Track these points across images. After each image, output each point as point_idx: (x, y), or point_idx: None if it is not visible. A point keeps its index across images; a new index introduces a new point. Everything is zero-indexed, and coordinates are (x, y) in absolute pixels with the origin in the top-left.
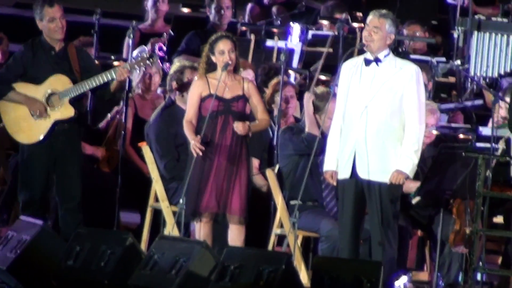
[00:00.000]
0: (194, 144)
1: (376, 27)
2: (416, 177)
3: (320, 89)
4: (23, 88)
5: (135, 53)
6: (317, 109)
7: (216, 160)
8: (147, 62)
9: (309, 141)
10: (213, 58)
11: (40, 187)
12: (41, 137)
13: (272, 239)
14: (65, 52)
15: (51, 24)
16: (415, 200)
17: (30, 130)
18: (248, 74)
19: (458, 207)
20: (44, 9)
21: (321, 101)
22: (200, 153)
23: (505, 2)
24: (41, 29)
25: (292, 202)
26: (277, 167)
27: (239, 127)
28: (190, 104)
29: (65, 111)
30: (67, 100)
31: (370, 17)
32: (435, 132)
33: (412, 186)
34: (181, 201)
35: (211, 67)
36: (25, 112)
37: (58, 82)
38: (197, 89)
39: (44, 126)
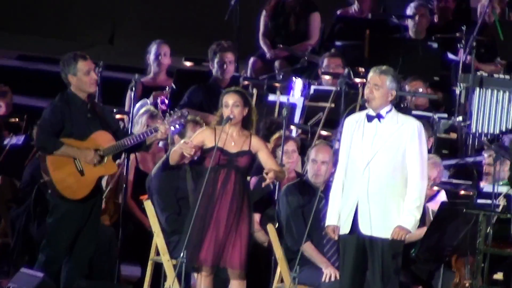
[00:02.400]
0: (184, 144)
1: (377, 84)
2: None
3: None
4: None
5: (137, 106)
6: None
7: (215, 214)
8: (182, 120)
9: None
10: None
11: (67, 245)
12: (87, 193)
13: None
14: (93, 107)
15: (86, 77)
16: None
17: (77, 185)
18: None
19: (457, 259)
20: (79, 63)
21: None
22: (193, 152)
23: (507, 59)
24: (73, 83)
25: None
26: (277, 224)
27: (268, 177)
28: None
29: (110, 168)
30: (111, 156)
31: (370, 74)
32: (436, 188)
33: (413, 235)
34: (181, 254)
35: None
36: (73, 168)
37: (101, 139)
38: (201, 136)
39: (90, 181)
